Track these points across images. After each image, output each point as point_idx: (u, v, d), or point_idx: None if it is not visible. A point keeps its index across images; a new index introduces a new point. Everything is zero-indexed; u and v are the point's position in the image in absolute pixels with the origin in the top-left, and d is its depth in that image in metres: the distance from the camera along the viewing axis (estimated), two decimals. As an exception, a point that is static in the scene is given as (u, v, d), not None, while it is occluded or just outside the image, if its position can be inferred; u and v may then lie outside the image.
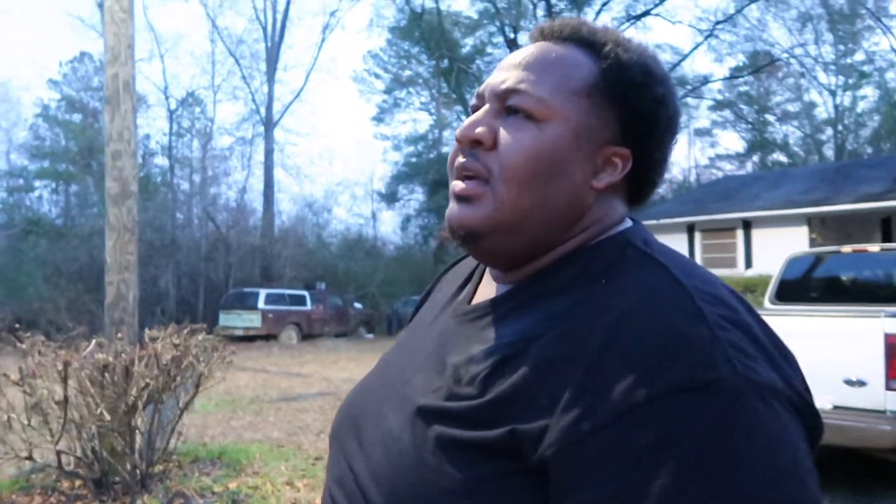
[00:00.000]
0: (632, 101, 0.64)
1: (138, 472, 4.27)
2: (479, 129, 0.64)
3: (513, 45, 20.76)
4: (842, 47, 27.51)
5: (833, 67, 28.52)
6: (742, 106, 29.72)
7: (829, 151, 29.69)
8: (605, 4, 21.01)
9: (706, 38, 22.13)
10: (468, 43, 26.45)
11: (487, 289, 0.71)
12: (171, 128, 26.90)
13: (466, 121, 0.66)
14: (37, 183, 28.37)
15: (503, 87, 0.65)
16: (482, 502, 0.53)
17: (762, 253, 13.06)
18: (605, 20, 22.58)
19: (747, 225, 13.84)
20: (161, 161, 27.60)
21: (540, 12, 20.89)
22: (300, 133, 50.49)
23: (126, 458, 4.22)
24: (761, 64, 23.77)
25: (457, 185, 0.65)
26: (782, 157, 31.05)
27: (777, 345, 0.56)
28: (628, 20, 21.25)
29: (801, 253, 6.51)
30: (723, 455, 0.48)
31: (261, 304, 17.22)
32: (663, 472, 0.47)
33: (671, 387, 0.49)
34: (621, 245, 0.63)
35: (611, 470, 0.49)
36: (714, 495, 0.47)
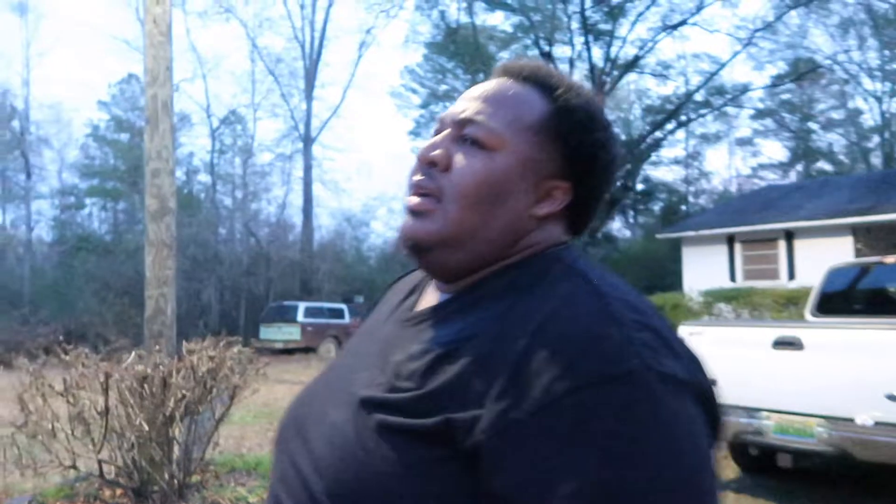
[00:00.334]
0: (576, 142, 0.72)
1: (176, 481, 4.38)
2: (436, 152, 0.72)
3: (548, 57, 20.79)
4: (887, 53, 26.73)
5: (878, 73, 27.71)
6: (784, 114, 29.08)
7: (876, 159, 28.80)
8: (640, 15, 20.85)
9: (745, 46, 21.76)
10: (503, 56, 26.58)
11: (430, 297, 0.77)
12: (213, 145, 27.63)
13: (427, 142, 0.73)
14: (87, 201, 29.39)
15: (461, 116, 0.72)
16: (418, 483, 0.59)
17: (806, 264, 12.72)
18: (641, 31, 22.43)
19: (790, 235, 13.51)
20: (204, 178, 28.33)
21: (574, 25, 20.87)
22: (338, 148, 51.07)
23: (164, 467, 4.33)
24: (803, 71, 23.24)
25: (411, 200, 0.72)
26: (827, 166, 30.23)
27: (683, 346, 0.62)
28: (664, 30, 21.06)
29: (843, 264, 6.34)
30: (632, 438, 0.54)
31: (300, 317, 17.47)
32: (579, 454, 0.54)
33: (587, 379, 0.55)
34: (551, 260, 0.70)
35: (534, 454, 0.55)
36: (623, 474, 0.53)
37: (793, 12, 20.69)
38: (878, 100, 28.82)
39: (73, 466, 4.35)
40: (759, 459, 5.01)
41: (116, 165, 28.03)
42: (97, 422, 4.25)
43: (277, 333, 17.42)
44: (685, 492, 0.54)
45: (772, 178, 31.64)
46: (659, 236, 16.79)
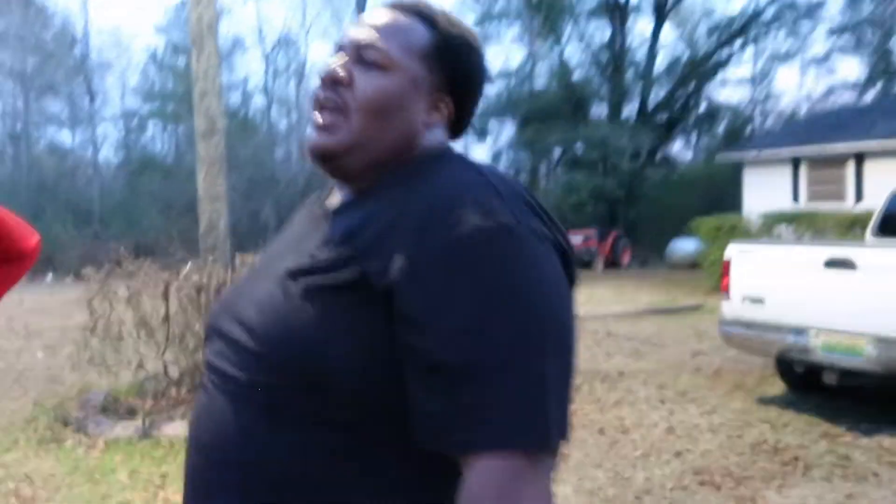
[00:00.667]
0: (455, 64, 0.87)
1: (234, 382, 4.69)
2: (340, 71, 0.83)
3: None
4: None
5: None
6: (864, 30, 26.96)
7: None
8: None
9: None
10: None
11: (335, 199, 0.89)
12: (266, 69, 27.66)
13: (328, 64, 0.85)
14: (149, 123, 30.12)
15: (361, 41, 0.84)
16: (340, 322, 0.73)
17: (875, 187, 12.06)
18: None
19: (860, 157, 12.79)
20: (260, 101, 28.55)
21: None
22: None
23: (223, 369, 4.63)
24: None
25: (318, 116, 0.84)
26: (910, 84, 28.13)
27: (550, 215, 0.79)
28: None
29: (910, 184, 6.03)
30: (508, 275, 0.70)
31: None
32: (466, 288, 0.69)
33: (472, 231, 0.70)
34: (438, 154, 0.85)
35: (433, 287, 0.70)
36: (501, 304, 0.69)
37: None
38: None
39: (141, 366, 4.70)
40: (805, 377, 4.98)
41: (174, 89, 28.46)
42: (160, 327, 4.55)
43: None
44: (550, 319, 0.71)
45: (847, 98, 29.71)
46: (720, 158, 16.18)
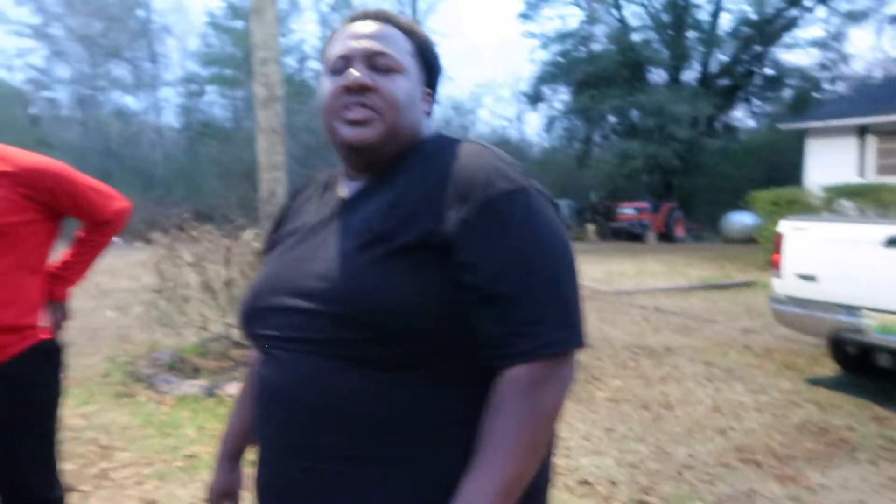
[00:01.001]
0: (431, 61, 1.07)
1: (291, 346, 4.91)
2: (366, 79, 0.98)
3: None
4: None
5: None
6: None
7: None
8: None
9: None
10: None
11: (345, 190, 1.04)
12: (323, 31, 27.77)
13: (352, 74, 0.99)
14: (208, 88, 30.74)
15: (372, 50, 1.00)
16: (411, 277, 0.90)
17: (950, 159, 11.52)
18: None
19: (936, 127, 12.16)
20: (315, 65, 28.75)
21: None
22: (445, 34, 49.99)
23: (280, 333, 4.85)
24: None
25: (354, 113, 0.98)
26: None
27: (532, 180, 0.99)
28: None
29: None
30: (534, 223, 0.92)
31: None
32: (504, 232, 0.90)
33: (500, 191, 0.91)
34: (441, 137, 1.04)
35: (481, 236, 0.90)
36: (532, 243, 0.91)
37: None
38: None
39: (205, 328, 4.97)
40: (858, 358, 4.91)
41: (234, 53, 28.91)
42: (223, 290, 4.79)
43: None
44: (564, 254, 0.93)
45: (926, 61, 27.94)
46: (782, 126, 15.59)
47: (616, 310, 7.75)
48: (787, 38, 23.80)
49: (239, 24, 29.78)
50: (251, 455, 1.12)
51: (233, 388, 4.40)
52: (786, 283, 4.86)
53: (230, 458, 1.26)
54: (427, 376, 0.91)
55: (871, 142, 12.95)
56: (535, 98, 27.98)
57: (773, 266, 4.99)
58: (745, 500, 2.99)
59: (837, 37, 26.89)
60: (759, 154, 20.93)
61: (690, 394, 4.54)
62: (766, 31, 22.51)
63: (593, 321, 6.83)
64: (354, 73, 0.98)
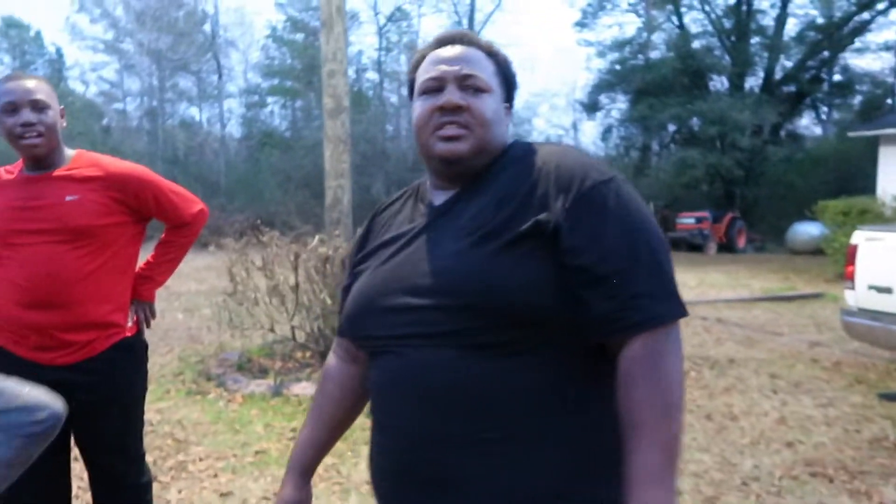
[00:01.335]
0: (509, 79, 1.16)
1: (353, 349, 5.02)
2: (458, 100, 1.07)
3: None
4: None
5: None
6: None
7: None
8: None
9: None
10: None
11: (438, 198, 1.13)
12: (380, 43, 28.29)
13: (446, 95, 1.08)
14: (269, 99, 31.66)
15: (462, 73, 1.09)
16: (528, 262, 0.98)
17: None
18: None
19: None
20: (372, 76, 29.30)
21: None
22: (501, 43, 49.63)
23: (343, 336, 4.98)
24: None
25: (447, 131, 1.07)
26: None
27: None
28: None
29: None
30: (629, 206, 1.01)
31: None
32: (605, 217, 0.99)
33: (595, 182, 1.02)
34: (522, 144, 1.13)
35: (584, 221, 0.99)
36: (631, 225, 0.99)
37: None
38: None
39: (272, 330, 5.14)
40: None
41: (293, 65, 29.71)
42: (289, 294, 4.95)
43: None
44: (657, 233, 1.01)
45: None
46: (852, 134, 15.03)
47: (676, 320, 7.61)
48: (857, 42, 22.94)
49: (299, 37, 30.61)
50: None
51: (298, 389, 4.54)
52: (859, 295, 4.71)
53: (302, 472, 1.24)
54: (544, 357, 0.98)
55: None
56: (591, 107, 27.77)
57: (846, 277, 4.85)
58: (816, 515, 2.92)
59: (912, 40, 25.77)
60: (826, 163, 20.20)
61: (755, 405, 4.44)
62: (835, 35, 21.74)
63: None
64: (449, 94, 1.08)
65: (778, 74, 22.42)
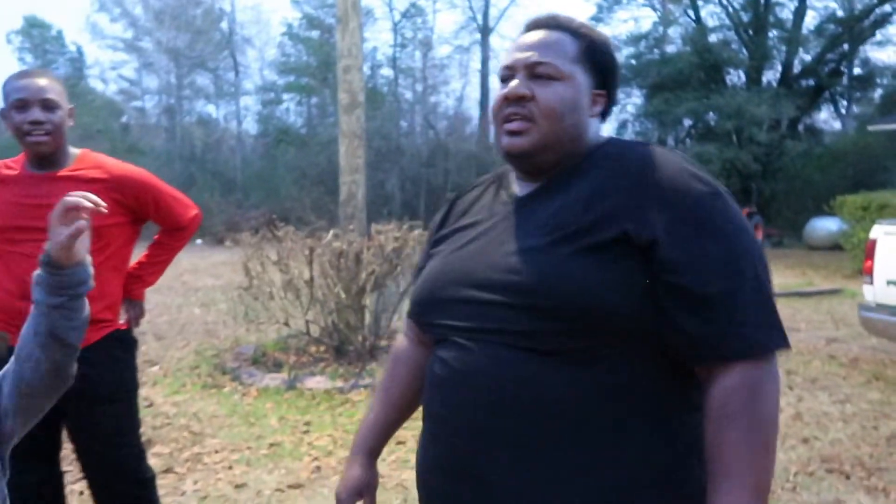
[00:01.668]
0: (601, 62, 1.06)
1: (367, 343, 5.05)
2: (523, 89, 1.02)
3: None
4: None
5: None
6: None
7: None
8: None
9: None
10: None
11: (522, 189, 1.07)
12: (395, 39, 28.29)
13: (511, 84, 1.02)
14: (284, 96, 31.76)
15: (532, 60, 1.03)
16: (610, 273, 0.92)
17: None
18: None
19: None
20: (387, 72, 29.31)
21: None
22: (516, 39, 49.74)
23: (358, 331, 5.01)
24: None
25: (511, 125, 1.02)
26: None
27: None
28: None
29: None
30: (732, 223, 0.94)
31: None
32: (712, 235, 0.92)
33: (699, 195, 0.94)
34: (619, 141, 1.06)
35: (686, 237, 0.92)
36: (736, 244, 0.93)
37: None
38: None
39: (286, 324, 5.18)
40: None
41: (309, 62, 29.80)
42: (304, 289, 4.98)
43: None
44: (762, 256, 0.96)
45: None
46: (872, 128, 14.82)
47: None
48: (878, 35, 22.60)
49: (315, 34, 30.69)
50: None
51: (312, 383, 4.57)
52: (877, 291, 4.66)
53: (369, 453, 1.22)
54: (615, 368, 0.93)
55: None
56: (607, 102, 27.51)
57: (865, 273, 4.79)
58: (831, 510, 2.90)
59: (934, 33, 25.31)
60: (845, 157, 19.91)
61: (771, 402, 4.41)
62: (855, 28, 21.43)
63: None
64: (513, 83, 1.02)
65: (796, 68, 22.14)
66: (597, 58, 1.05)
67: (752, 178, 20.17)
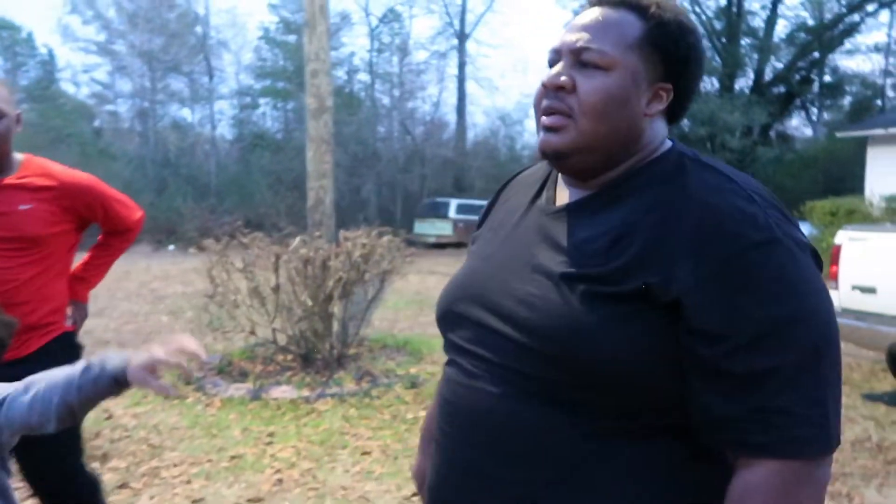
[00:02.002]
0: (671, 49, 0.87)
1: (335, 351, 4.98)
2: (562, 78, 0.86)
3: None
4: None
5: None
6: None
7: None
8: None
9: None
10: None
11: (564, 194, 0.92)
12: (372, 44, 28.23)
13: (551, 71, 0.87)
14: (261, 101, 31.51)
15: (577, 45, 0.86)
16: (621, 331, 0.78)
17: None
18: None
19: None
20: (364, 77, 29.23)
21: None
22: (493, 45, 50.18)
23: (326, 339, 4.93)
24: None
25: (546, 119, 0.87)
26: None
27: (793, 219, 0.83)
28: None
29: None
30: (786, 283, 0.76)
31: (452, 213, 18.07)
32: (752, 297, 0.75)
33: (747, 245, 0.76)
34: (678, 156, 0.87)
35: (722, 300, 0.75)
36: (782, 309, 0.75)
37: None
38: None
39: (253, 333, 5.08)
40: (919, 374, 4.70)
41: (285, 66, 29.60)
42: (270, 296, 4.89)
43: (430, 228, 18.21)
44: (827, 327, 0.77)
45: None
46: (841, 135, 15.09)
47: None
48: (847, 43, 23.09)
49: (291, 38, 30.52)
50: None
51: (277, 392, 4.48)
52: (843, 295, 4.69)
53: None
54: (621, 428, 0.81)
55: (937, 150, 12.41)
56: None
57: (830, 278, 4.82)
58: (796, 518, 2.89)
59: (901, 42, 25.93)
60: (816, 164, 20.26)
61: (740, 407, 4.41)
62: (825, 36, 21.87)
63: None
64: (554, 69, 0.87)
65: (768, 75, 22.53)
66: (664, 43, 0.86)
67: (725, 183, 20.41)
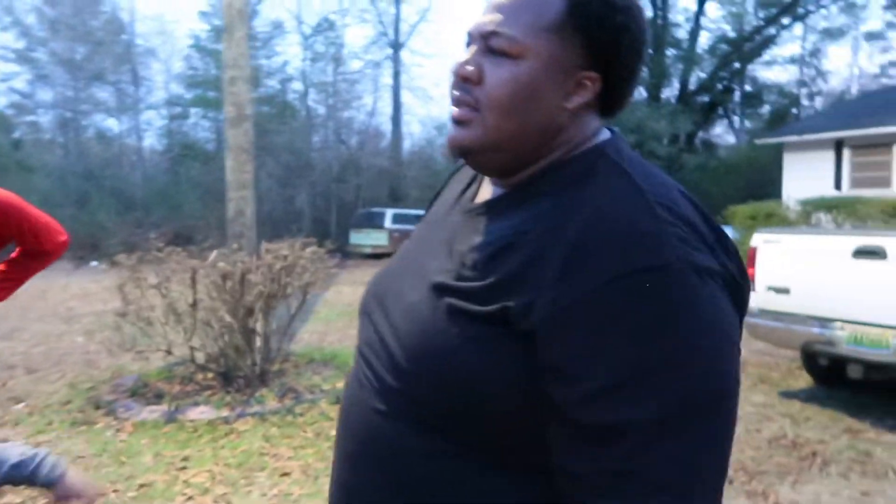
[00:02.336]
0: (596, 32, 0.73)
1: (258, 368, 4.80)
2: (468, 68, 0.76)
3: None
4: None
5: None
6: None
7: None
8: None
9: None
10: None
11: (487, 190, 0.84)
12: (305, 53, 27.86)
13: (459, 58, 0.77)
14: (192, 110, 30.63)
15: (485, 29, 0.75)
16: (480, 353, 0.68)
17: (925, 172, 11.64)
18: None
19: (909, 140, 12.32)
20: (297, 86, 28.81)
21: None
22: (427, 54, 50.31)
23: (247, 356, 4.75)
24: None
25: (453, 111, 0.77)
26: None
27: (719, 237, 0.69)
28: None
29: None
30: (663, 320, 0.62)
31: (388, 223, 17.93)
32: (618, 335, 0.62)
33: (626, 269, 0.62)
34: (595, 156, 0.75)
35: (579, 335, 0.63)
36: (653, 352, 0.61)
37: None
38: None
39: (169, 352, 4.85)
40: (830, 370, 4.88)
41: (217, 75, 28.89)
42: (187, 313, 4.68)
43: (366, 239, 18.03)
44: (712, 359, 0.63)
45: (901, 77, 28.41)
46: (759, 142, 15.75)
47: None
48: (765, 55, 24.23)
49: (221, 46, 29.80)
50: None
51: (194, 413, 4.28)
52: (759, 297, 4.83)
53: None
54: (499, 462, 0.72)
55: (847, 155, 13.09)
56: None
57: (746, 279, 4.96)
58: (713, 519, 2.91)
59: (815, 53, 27.42)
60: (738, 170, 21.07)
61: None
62: (745, 48, 22.86)
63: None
64: (461, 58, 0.77)
65: (692, 85, 23.36)
66: (586, 24, 0.73)
67: (654, 189, 21.01)
